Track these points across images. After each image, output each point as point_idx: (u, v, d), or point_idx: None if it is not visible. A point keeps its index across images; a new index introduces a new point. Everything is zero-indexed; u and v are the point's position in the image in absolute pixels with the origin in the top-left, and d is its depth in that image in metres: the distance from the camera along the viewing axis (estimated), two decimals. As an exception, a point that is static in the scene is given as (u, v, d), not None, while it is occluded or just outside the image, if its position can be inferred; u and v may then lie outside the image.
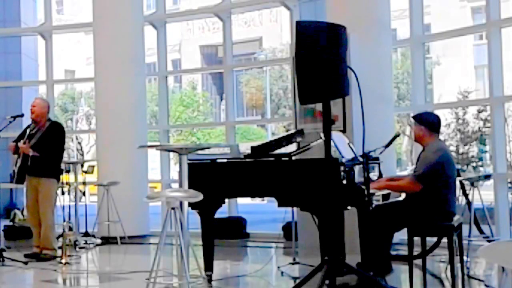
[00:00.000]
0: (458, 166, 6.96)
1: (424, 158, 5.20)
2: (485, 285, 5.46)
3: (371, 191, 5.07)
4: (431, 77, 25.12)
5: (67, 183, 8.61)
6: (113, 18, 9.37)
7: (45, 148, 7.10)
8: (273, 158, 5.23)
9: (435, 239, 6.12)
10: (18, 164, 7.15)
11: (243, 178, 5.28)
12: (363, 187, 4.96)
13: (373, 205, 5.45)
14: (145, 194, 7.98)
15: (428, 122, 5.33)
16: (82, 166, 9.04)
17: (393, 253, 5.63)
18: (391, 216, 5.17)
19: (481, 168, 21.90)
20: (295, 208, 6.41)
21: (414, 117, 5.55)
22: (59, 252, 7.09)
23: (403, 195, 5.54)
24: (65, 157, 10.29)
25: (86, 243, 8.36)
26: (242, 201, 8.86)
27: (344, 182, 4.98)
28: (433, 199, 5.07)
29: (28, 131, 7.21)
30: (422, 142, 5.34)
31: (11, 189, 13.36)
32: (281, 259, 6.93)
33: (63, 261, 6.93)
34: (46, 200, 7.21)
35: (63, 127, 7.49)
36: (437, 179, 5.07)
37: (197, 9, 14.59)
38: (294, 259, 6.51)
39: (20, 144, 7.10)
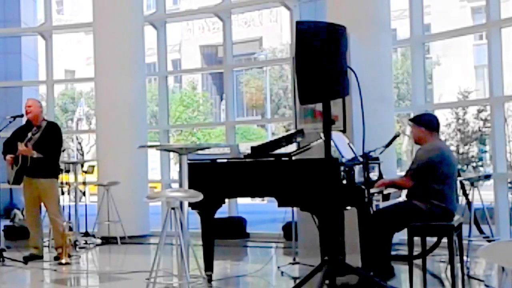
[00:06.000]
0: (458, 166, 6.92)
1: (416, 156, 5.30)
2: (485, 285, 5.46)
3: (371, 190, 5.08)
4: (431, 77, 25.10)
5: (67, 183, 8.61)
6: (113, 18, 9.37)
7: (45, 148, 7.09)
8: (273, 158, 5.23)
9: (435, 239, 6.12)
10: (17, 166, 7.12)
11: (243, 178, 5.28)
12: (363, 187, 4.97)
13: (374, 209, 5.48)
14: (145, 194, 7.99)
15: (426, 122, 5.35)
16: (82, 166, 9.04)
17: (393, 253, 5.63)
18: (391, 219, 5.18)
19: (481, 168, 21.89)
20: (295, 208, 6.41)
21: (411, 120, 5.58)
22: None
23: (403, 196, 5.56)
24: (65, 157, 10.30)
25: (86, 243, 8.36)
26: (242, 201, 8.86)
27: (344, 182, 4.98)
28: (429, 196, 5.11)
29: (30, 134, 7.17)
30: (421, 143, 5.36)
31: (11, 189, 13.35)
32: (281, 259, 6.93)
33: (63, 261, 6.93)
34: (54, 201, 7.22)
35: (60, 127, 7.50)
36: (429, 176, 5.13)
37: (197, 9, 14.62)
38: (294, 259, 6.51)
39: (21, 147, 7.05)
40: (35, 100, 7.49)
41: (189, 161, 5.09)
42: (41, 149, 7.06)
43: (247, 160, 5.32)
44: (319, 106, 6.04)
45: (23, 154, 7.04)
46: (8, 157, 7.16)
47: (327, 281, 4.63)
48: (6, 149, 7.24)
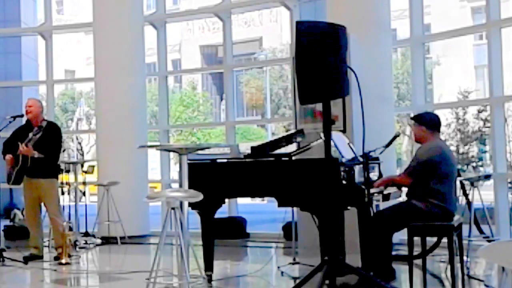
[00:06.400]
0: (458, 166, 6.96)
1: (416, 155, 5.31)
2: (485, 285, 5.46)
3: (371, 190, 5.09)
4: (431, 77, 25.10)
5: (67, 183, 8.61)
6: (113, 18, 9.37)
7: (45, 149, 7.09)
8: (273, 158, 5.23)
9: (435, 239, 6.12)
10: (18, 166, 7.11)
11: (243, 178, 5.28)
12: (363, 187, 4.97)
13: (374, 209, 5.48)
14: (145, 194, 7.99)
15: (427, 122, 5.35)
16: (82, 166, 9.04)
17: (393, 253, 5.63)
18: (391, 219, 5.18)
19: (481, 168, 21.89)
20: (295, 208, 6.41)
21: (413, 118, 5.58)
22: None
23: (403, 196, 5.56)
24: (65, 157, 10.31)
25: (86, 243, 8.37)
26: (242, 201, 8.86)
27: (344, 182, 4.98)
28: (428, 195, 5.11)
29: (30, 135, 7.16)
30: (422, 142, 5.36)
31: (11, 189, 13.34)
32: (281, 259, 6.93)
33: (63, 261, 6.93)
34: (54, 201, 7.24)
35: (60, 127, 7.50)
36: (429, 175, 5.13)
37: (197, 9, 14.62)
38: (294, 259, 6.51)
39: (22, 148, 7.04)
40: (35, 100, 7.49)
41: (189, 161, 5.08)
42: (41, 149, 7.06)
43: (247, 160, 5.32)
44: (319, 106, 6.04)
45: (24, 154, 7.03)
46: (8, 157, 7.15)
47: (327, 281, 4.63)
48: (6, 149, 7.24)
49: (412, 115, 6.56)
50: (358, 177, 5.19)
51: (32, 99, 7.46)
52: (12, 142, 7.20)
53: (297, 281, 5.23)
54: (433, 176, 5.14)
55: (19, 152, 7.04)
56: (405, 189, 5.45)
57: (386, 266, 5.26)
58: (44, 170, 7.10)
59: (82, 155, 27.75)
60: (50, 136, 7.18)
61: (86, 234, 8.75)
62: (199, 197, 4.56)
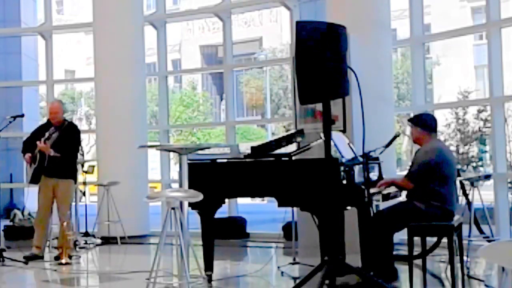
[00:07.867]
0: (458, 166, 6.97)
1: (415, 158, 5.32)
2: (485, 285, 5.47)
3: (371, 190, 5.09)
4: (431, 77, 25.09)
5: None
6: (113, 18, 9.37)
7: (63, 149, 7.09)
8: (273, 158, 5.24)
9: (435, 239, 6.12)
10: (34, 164, 7.11)
11: (243, 178, 5.28)
12: (363, 187, 4.97)
13: (374, 209, 5.48)
14: (145, 194, 7.99)
15: (423, 123, 5.37)
16: (82, 166, 9.04)
17: (394, 253, 5.63)
18: (391, 219, 5.18)
19: (481, 168, 21.88)
20: (295, 208, 6.41)
21: (409, 120, 5.61)
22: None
23: (403, 196, 5.56)
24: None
25: (86, 243, 8.37)
26: (242, 201, 8.86)
27: (344, 182, 4.97)
28: (429, 197, 5.11)
29: (47, 134, 7.15)
30: (420, 143, 5.37)
31: (11, 189, 13.37)
32: (281, 259, 6.93)
33: (63, 261, 6.93)
34: (67, 202, 7.28)
35: (79, 129, 7.50)
36: (429, 178, 5.14)
37: (197, 9, 14.63)
38: (294, 259, 6.51)
39: (41, 144, 7.04)
40: (59, 103, 7.59)
41: (189, 161, 5.09)
42: (59, 148, 7.07)
43: (247, 160, 5.32)
44: (319, 106, 6.04)
45: (41, 152, 7.03)
46: (26, 155, 7.16)
47: (327, 281, 4.63)
48: (26, 148, 7.25)
49: (412, 115, 6.57)
50: (358, 177, 5.19)
51: (56, 103, 7.59)
52: (31, 142, 7.21)
53: (297, 281, 5.24)
54: (433, 178, 5.13)
55: (38, 147, 7.05)
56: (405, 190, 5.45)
57: (388, 266, 5.26)
58: (61, 170, 7.11)
59: (82, 155, 27.65)
60: (69, 137, 7.20)
61: (86, 234, 8.76)
62: (199, 197, 4.56)
